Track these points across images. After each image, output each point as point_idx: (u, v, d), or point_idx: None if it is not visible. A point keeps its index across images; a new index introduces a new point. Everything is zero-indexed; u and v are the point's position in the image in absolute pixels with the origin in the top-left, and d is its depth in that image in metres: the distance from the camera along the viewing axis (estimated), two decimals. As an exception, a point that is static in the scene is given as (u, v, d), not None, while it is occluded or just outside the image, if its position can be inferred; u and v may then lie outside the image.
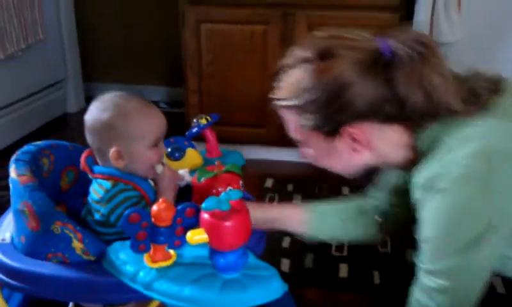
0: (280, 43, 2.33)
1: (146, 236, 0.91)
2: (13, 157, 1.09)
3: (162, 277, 0.90)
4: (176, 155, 1.30)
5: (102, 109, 1.09)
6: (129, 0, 3.23)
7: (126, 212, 0.89)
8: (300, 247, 1.82)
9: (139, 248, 0.92)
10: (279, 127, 2.44)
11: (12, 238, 1.05)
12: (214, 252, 0.90)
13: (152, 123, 1.10)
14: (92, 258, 0.99)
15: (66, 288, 0.97)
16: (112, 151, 1.07)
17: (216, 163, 1.19)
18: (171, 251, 0.94)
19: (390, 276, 1.66)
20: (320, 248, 1.81)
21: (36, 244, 0.99)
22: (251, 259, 0.94)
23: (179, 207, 0.93)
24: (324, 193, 2.23)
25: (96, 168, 1.11)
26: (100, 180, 1.09)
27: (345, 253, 1.78)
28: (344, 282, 1.65)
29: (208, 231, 0.87)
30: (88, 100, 3.17)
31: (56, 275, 0.96)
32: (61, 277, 0.96)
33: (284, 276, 0.93)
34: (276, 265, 1.37)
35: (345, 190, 2.23)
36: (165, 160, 1.21)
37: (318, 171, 2.37)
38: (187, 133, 1.36)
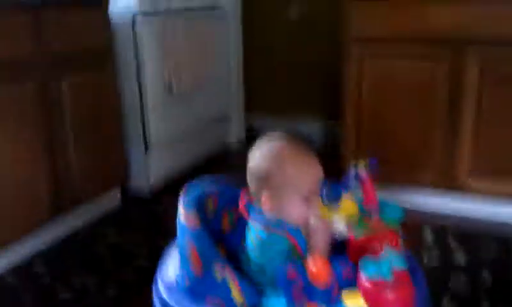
0: (447, 82, 2.19)
1: (302, 293, 0.89)
2: (181, 197, 1.15)
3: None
4: (331, 202, 1.26)
5: (262, 157, 1.12)
6: (294, 35, 3.37)
7: (283, 267, 0.89)
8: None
9: (295, 304, 0.90)
10: (442, 169, 2.27)
11: (177, 278, 1.11)
12: (371, 321, 0.84)
13: (306, 175, 1.09)
14: (247, 307, 1.00)
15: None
16: (263, 196, 1.09)
17: (374, 218, 1.13)
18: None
19: None
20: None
21: (199, 287, 1.03)
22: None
23: (337, 267, 0.90)
24: (493, 253, 1.97)
25: (252, 214, 1.13)
26: (255, 226, 1.11)
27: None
28: None
29: (367, 300, 0.83)
30: (249, 129, 3.38)
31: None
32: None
33: None
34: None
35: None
36: (318, 208, 1.17)
37: (485, 225, 2.11)
38: (344, 179, 1.31)
